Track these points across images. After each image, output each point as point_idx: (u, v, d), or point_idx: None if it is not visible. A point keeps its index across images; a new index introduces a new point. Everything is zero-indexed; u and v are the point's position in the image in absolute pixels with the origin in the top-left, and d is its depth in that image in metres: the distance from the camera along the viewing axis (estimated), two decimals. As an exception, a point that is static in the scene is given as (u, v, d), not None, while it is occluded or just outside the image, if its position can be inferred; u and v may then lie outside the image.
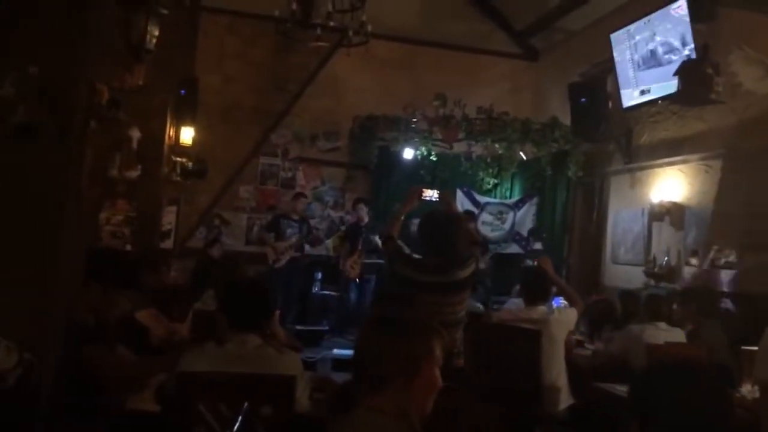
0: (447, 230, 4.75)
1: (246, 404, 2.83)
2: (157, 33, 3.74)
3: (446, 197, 5.40)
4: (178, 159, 8.04)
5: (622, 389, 4.43)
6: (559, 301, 6.12)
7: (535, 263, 6.69)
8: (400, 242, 4.85)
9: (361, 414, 2.11)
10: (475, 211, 9.87)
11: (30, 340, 2.61)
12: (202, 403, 2.91)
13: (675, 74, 6.63)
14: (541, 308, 5.36)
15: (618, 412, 4.79)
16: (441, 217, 4.98)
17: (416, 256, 4.87)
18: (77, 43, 2.76)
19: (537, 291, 5.38)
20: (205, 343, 3.28)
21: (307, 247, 9.84)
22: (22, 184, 2.70)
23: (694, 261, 7.26)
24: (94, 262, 3.52)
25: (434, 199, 5.20)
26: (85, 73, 2.82)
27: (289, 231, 9.49)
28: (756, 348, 4.92)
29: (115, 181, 6.09)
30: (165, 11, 3.74)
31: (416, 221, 8.05)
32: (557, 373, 5.15)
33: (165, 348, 4.44)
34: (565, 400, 5.14)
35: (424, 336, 2.23)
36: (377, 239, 9.18)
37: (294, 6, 7.93)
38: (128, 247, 6.56)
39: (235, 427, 2.66)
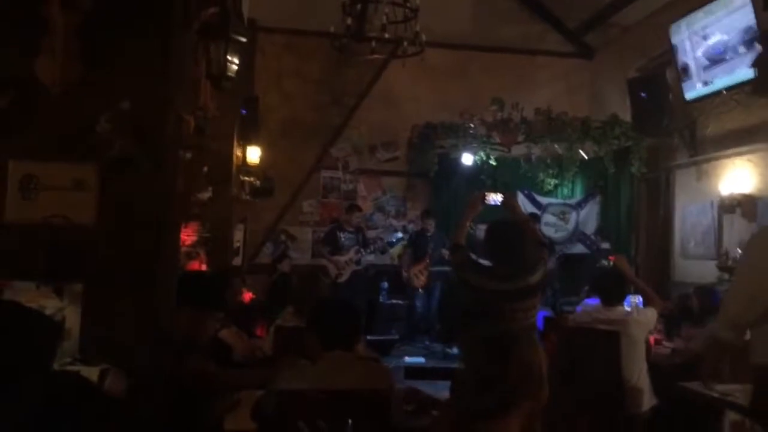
0: (514, 236, 4.75)
1: (350, 421, 2.89)
2: (237, 61, 3.86)
3: (510, 200, 5.39)
4: (246, 178, 8.20)
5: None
6: (630, 300, 6.04)
7: (611, 263, 6.62)
8: (467, 251, 4.88)
9: None
10: (538, 212, 9.81)
11: (136, 367, 2.72)
12: (302, 420, 2.99)
13: (752, 65, 6.51)
14: (620, 308, 5.33)
15: (704, 411, 4.75)
16: (507, 223, 5.00)
17: (485, 263, 4.89)
18: (164, 77, 2.87)
19: (614, 291, 5.34)
20: (299, 362, 3.35)
21: (369, 257, 9.90)
22: (124, 215, 2.82)
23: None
24: (182, 286, 3.62)
25: (498, 203, 5.18)
26: (174, 105, 2.93)
27: (346, 243, 9.57)
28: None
29: (189, 204, 6.25)
30: (244, 39, 3.85)
31: (481, 227, 8.14)
32: (639, 373, 5.10)
33: (248, 365, 4.54)
34: (648, 401, 5.09)
35: (536, 355, 2.24)
36: (444, 251, 9.24)
37: (349, 21, 8.02)
38: (203, 267, 6.73)
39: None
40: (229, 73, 3.87)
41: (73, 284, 2.78)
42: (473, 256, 4.86)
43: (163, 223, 2.92)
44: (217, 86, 4.10)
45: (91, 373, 2.62)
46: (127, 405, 2.61)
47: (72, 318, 2.79)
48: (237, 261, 9.03)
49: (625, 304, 5.57)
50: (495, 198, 5.16)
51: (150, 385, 2.78)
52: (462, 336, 3.93)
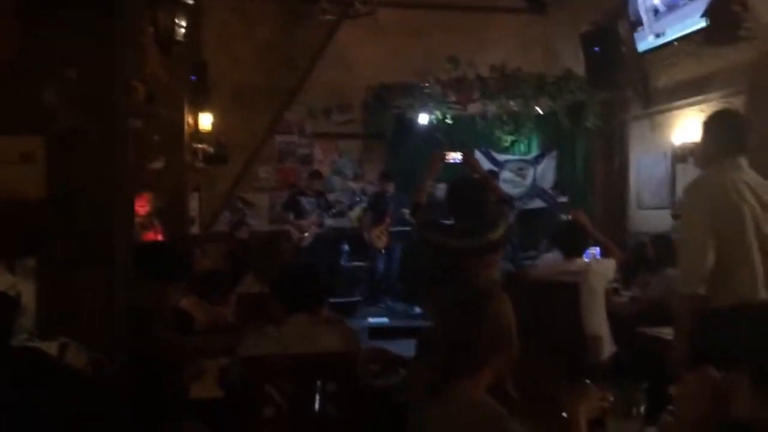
0: (475, 193, 4.78)
1: (319, 382, 2.89)
2: (184, 24, 3.74)
3: (470, 158, 5.40)
4: (199, 146, 8.06)
5: (667, 332, 4.41)
6: (588, 253, 6.11)
7: (570, 216, 6.68)
8: (428, 209, 4.89)
9: (460, 395, 2.13)
10: (496, 169, 9.84)
11: (96, 341, 2.67)
12: (269, 384, 2.99)
13: (703, 15, 6.55)
14: (579, 261, 5.40)
15: (663, 355, 4.85)
16: (468, 180, 5.02)
17: (446, 222, 4.90)
18: (112, 44, 2.77)
19: (574, 244, 5.41)
20: (263, 327, 3.35)
21: (329, 220, 9.87)
22: (74, 189, 2.74)
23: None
24: (140, 258, 3.56)
25: (457, 162, 5.19)
26: (122, 72, 2.83)
27: (308, 207, 9.53)
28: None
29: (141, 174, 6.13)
30: (191, 1, 3.73)
31: (441, 186, 8.14)
32: (599, 322, 5.18)
33: (208, 334, 4.50)
34: (609, 349, 5.18)
35: (506, 310, 2.25)
36: (404, 210, 9.23)
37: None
38: (159, 238, 6.62)
39: (316, 406, 2.72)
40: (178, 38, 3.75)
41: (25, 259, 2.71)
42: (434, 215, 4.86)
43: (115, 194, 2.85)
44: (165, 52, 3.98)
45: (50, 348, 2.57)
46: (90, 378, 2.57)
47: (27, 294, 2.73)
48: (194, 230, 8.93)
49: (585, 256, 5.64)
50: (454, 157, 5.17)
51: (112, 358, 2.74)
52: (428, 295, 3.94)
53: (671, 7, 7.59)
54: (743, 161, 3.48)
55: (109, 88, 2.75)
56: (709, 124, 3.68)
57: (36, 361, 2.09)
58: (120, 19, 2.87)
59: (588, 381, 2.30)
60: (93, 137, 2.69)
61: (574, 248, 5.41)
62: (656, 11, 7.77)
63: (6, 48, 2.62)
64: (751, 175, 3.47)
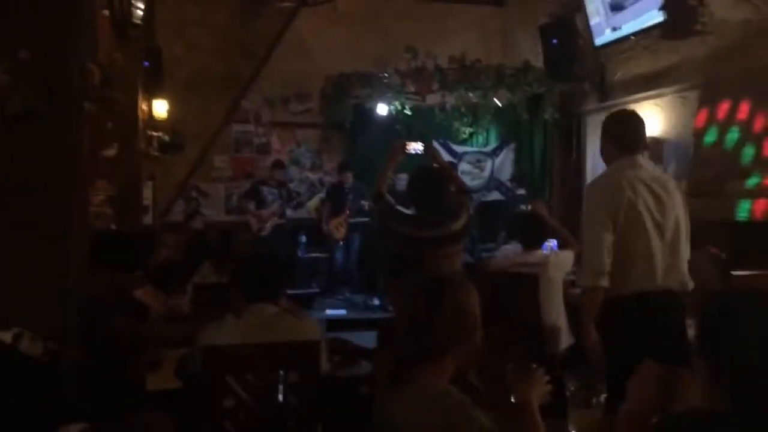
0: (437, 182, 4.80)
1: (281, 372, 2.85)
2: (142, 6, 3.63)
3: (431, 149, 5.41)
4: (154, 133, 7.89)
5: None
6: (546, 245, 6.15)
7: (530, 208, 6.72)
8: (390, 199, 4.88)
9: (423, 384, 2.12)
10: (454, 161, 9.85)
11: (51, 330, 2.59)
12: (230, 374, 2.93)
13: (660, 9, 6.62)
14: (539, 252, 5.44)
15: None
16: (430, 170, 5.02)
17: (408, 211, 4.89)
18: (66, 24, 2.66)
19: (533, 235, 5.45)
20: (223, 317, 3.29)
21: (288, 211, 9.79)
22: (26, 175, 2.63)
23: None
24: (98, 247, 3.47)
25: (419, 152, 5.19)
26: (77, 54, 2.72)
27: (270, 197, 9.43)
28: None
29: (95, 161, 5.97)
30: (149, -18, 3.62)
31: (401, 176, 8.12)
32: (557, 313, 5.23)
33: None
34: (566, 340, 5.22)
35: (471, 298, 2.24)
36: (363, 202, 9.20)
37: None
38: (112, 227, 6.47)
39: (280, 397, 2.68)
40: (135, 20, 3.64)
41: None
42: (396, 205, 4.85)
43: (69, 181, 2.74)
44: (121, 34, 3.85)
45: (5, 337, 2.50)
46: (46, 367, 2.50)
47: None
48: (148, 219, 8.75)
49: (542, 247, 5.68)
50: (416, 147, 5.16)
51: (67, 348, 2.66)
52: (389, 285, 3.93)
53: (627, 1, 7.66)
54: (640, 158, 3.67)
55: (63, 70, 2.64)
56: (607, 126, 3.85)
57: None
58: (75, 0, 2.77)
59: (534, 366, 2.29)
60: (46, 120, 2.58)
61: (533, 240, 5.45)
62: (612, 5, 7.84)
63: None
64: (648, 171, 3.64)
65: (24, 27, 2.65)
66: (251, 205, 9.45)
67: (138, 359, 3.44)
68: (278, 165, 9.80)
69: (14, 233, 2.65)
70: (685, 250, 3.65)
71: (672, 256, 3.58)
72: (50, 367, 2.50)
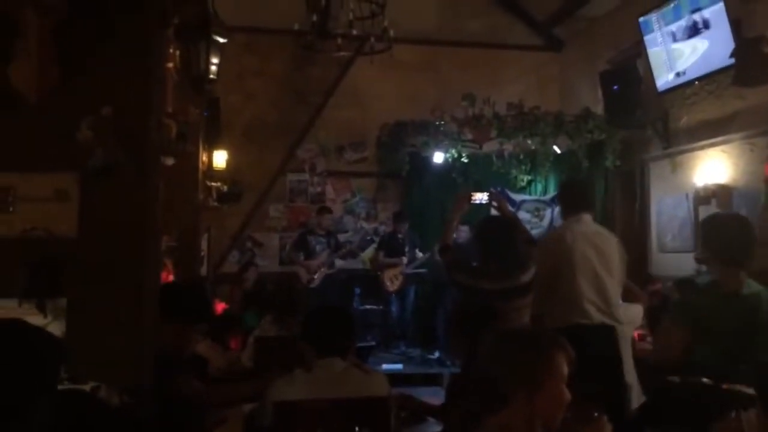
0: (505, 233, 4.74)
1: (355, 428, 2.77)
2: (217, 62, 3.66)
3: (497, 198, 5.30)
4: (213, 184, 7.91)
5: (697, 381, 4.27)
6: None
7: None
8: (456, 251, 4.82)
9: None
10: (512, 209, 9.68)
11: (123, 384, 2.54)
12: (301, 430, 2.87)
13: (731, 56, 6.49)
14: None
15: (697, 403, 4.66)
16: (497, 220, 4.97)
17: (474, 263, 4.81)
18: (145, 79, 2.71)
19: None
20: (292, 371, 3.27)
21: (340, 261, 9.67)
22: (105, 226, 2.62)
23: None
24: (164, 299, 3.41)
25: (483, 202, 5.12)
26: (155, 110, 2.74)
27: (318, 247, 9.34)
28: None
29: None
30: (224, 39, 3.66)
31: (462, 228, 8.01)
32: (628, 370, 5.01)
33: (225, 379, 4.34)
34: (637, 398, 4.99)
35: (544, 349, 2.23)
36: (419, 252, 9.08)
37: (314, 17, 7.78)
38: (170, 278, 6.46)
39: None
40: (211, 75, 3.67)
41: (56, 299, 2.59)
42: (463, 257, 4.79)
43: (146, 233, 2.73)
44: (198, 89, 3.89)
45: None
46: (122, 420, 2.45)
47: (56, 335, 2.59)
48: (202, 271, 8.74)
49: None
50: (481, 197, 5.08)
51: (139, 402, 2.60)
52: (456, 339, 3.85)
53: (681, 43, 7.53)
54: (585, 216, 4.56)
55: (142, 126, 2.66)
56: (559, 191, 5.20)
57: (85, 405, 1.99)
58: (154, 57, 2.81)
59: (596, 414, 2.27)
60: (126, 175, 2.58)
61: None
62: (671, 46, 7.70)
63: (46, 79, 2.52)
64: (591, 227, 4.57)
65: (106, 86, 2.70)
66: (300, 256, 9.35)
67: (203, 419, 3.36)
68: (324, 210, 9.69)
69: (94, 283, 2.65)
70: (616, 295, 4.52)
71: (605, 296, 4.37)
72: (126, 420, 2.45)
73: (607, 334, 4.26)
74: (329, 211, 9.80)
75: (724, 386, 3.38)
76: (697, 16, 7.24)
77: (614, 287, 4.45)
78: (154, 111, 2.71)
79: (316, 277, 9.19)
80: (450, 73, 10.45)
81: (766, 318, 3.48)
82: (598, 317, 4.32)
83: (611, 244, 4.57)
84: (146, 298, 2.76)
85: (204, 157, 7.70)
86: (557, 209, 9.96)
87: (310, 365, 3.25)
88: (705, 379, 3.65)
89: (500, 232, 4.73)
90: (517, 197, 10.07)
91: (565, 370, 2.23)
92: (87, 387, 2.49)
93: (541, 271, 4.43)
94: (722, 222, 3.78)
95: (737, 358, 3.43)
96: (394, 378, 7.43)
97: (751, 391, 3.23)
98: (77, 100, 2.63)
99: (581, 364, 3.52)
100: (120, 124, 2.55)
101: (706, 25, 7.14)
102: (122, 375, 2.61)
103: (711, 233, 3.63)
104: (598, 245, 4.41)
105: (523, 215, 9.91)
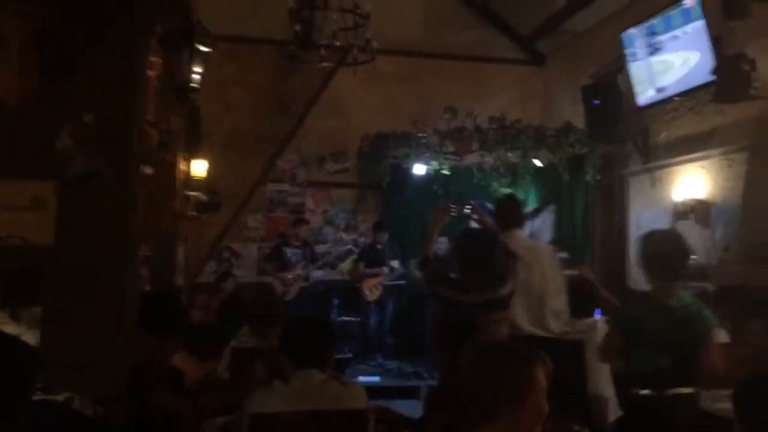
0: (485, 246, 4.72)
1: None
2: (200, 71, 3.63)
3: (478, 210, 5.29)
4: (192, 193, 7.85)
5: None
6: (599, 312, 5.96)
7: (576, 273, 6.53)
8: (436, 264, 4.81)
9: None
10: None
11: (99, 393, 2.50)
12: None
13: (713, 72, 6.55)
14: (588, 320, 5.27)
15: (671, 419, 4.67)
16: (477, 232, 4.96)
17: (453, 275, 4.79)
18: (128, 88, 2.68)
19: (582, 304, 5.27)
20: (269, 383, 3.25)
21: (318, 273, 9.62)
22: (82, 237, 2.58)
23: (727, 258, 7.11)
24: (142, 309, 3.36)
25: (464, 214, 5.12)
26: (137, 118, 2.71)
27: (294, 258, 9.28)
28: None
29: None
30: (208, 49, 3.63)
31: (441, 240, 7.99)
32: (605, 383, 5.03)
33: (200, 391, 4.29)
34: (614, 412, 5.00)
35: (527, 364, 2.23)
36: (396, 264, 9.05)
37: (297, 27, 7.76)
38: (147, 288, 6.38)
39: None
40: (194, 84, 3.64)
41: (30, 308, 2.55)
42: (443, 270, 4.78)
43: (125, 243, 2.70)
44: (181, 98, 3.86)
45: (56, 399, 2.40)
46: (94, 428, 2.42)
47: (31, 343, 2.54)
48: (179, 280, 8.65)
49: (596, 314, 5.51)
50: (462, 209, 5.08)
51: (114, 412, 2.56)
52: (438, 351, 3.85)
53: (662, 58, 7.60)
54: (518, 232, 5.22)
55: (123, 134, 2.63)
56: (495, 208, 5.54)
57: (60, 416, 1.96)
58: (136, 65, 2.79)
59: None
60: (106, 183, 2.55)
61: (581, 307, 5.29)
62: (652, 62, 7.77)
63: (26, 86, 2.48)
64: (522, 243, 5.08)
65: (88, 93, 2.68)
66: (272, 267, 9.31)
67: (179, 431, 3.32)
68: (301, 221, 9.68)
69: (69, 292, 2.61)
70: (552, 303, 4.94)
71: (538, 307, 4.80)
72: (97, 428, 2.41)
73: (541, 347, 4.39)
74: (306, 222, 9.78)
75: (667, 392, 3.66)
76: (678, 33, 7.29)
77: (550, 298, 4.95)
78: (136, 119, 2.69)
79: (291, 289, 9.12)
80: (433, 85, 10.46)
81: (701, 329, 3.73)
82: (528, 328, 4.74)
83: (543, 255, 5.12)
84: (126, 307, 2.74)
85: (183, 166, 7.65)
86: (537, 222, 10.04)
87: (287, 377, 3.22)
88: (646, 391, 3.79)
89: (480, 244, 4.72)
90: (497, 210, 10.07)
91: (544, 382, 2.24)
92: (61, 397, 2.45)
93: None
94: (657, 238, 4.03)
95: (671, 365, 3.66)
96: (371, 390, 7.31)
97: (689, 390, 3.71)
98: (58, 108, 2.61)
99: None
100: (101, 132, 2.52)
101: (687, 42, 7.20)
102: (98, 385, 2.57)
103: (647, 249, 3.91)
104: (527, 259, 4.86)
105: (502, 228, 9.92)
